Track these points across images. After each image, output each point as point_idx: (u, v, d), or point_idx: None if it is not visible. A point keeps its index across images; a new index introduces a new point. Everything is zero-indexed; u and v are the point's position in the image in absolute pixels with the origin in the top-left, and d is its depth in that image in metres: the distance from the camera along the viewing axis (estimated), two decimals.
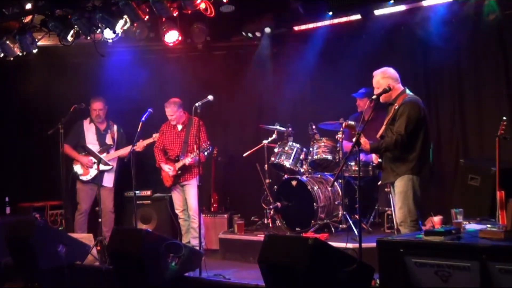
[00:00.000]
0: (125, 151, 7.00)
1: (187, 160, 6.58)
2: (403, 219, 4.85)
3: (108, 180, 7.19)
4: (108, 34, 6.18)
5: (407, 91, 5.04)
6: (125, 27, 6.07)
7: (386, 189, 6.38)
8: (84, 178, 7.09)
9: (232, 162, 8.09)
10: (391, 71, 5.08)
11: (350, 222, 6.26)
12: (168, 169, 6.69)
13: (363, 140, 4.85)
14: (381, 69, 5.13)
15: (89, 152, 6.90)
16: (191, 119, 6.68)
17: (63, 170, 6.82)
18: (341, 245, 5.49)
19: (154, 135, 6.86)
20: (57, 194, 7.33)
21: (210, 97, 5.97)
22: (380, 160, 5.10)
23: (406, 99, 4.94)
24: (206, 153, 6.47)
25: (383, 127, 5.02)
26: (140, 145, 6.92)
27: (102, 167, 7.05)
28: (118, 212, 7.65)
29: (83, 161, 7.04)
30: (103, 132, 7.31)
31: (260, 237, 6.28)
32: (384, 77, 5.03)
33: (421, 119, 4.91)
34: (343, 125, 5.17)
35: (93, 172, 7.08)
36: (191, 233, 6.71)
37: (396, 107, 4.92)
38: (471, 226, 4.15)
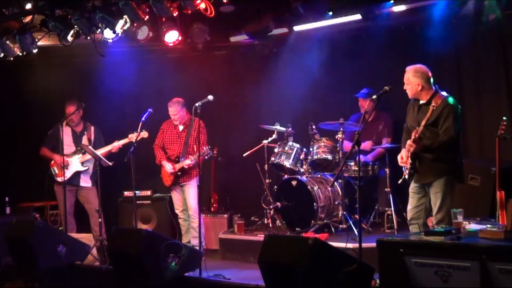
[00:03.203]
0: (102, 151, 7.00)
1: (187, 163, 6.59)
2: (441, 219, 4.77)
3: (86, 180, 7.18)
4: (108, 34, 6.18)
5: (439, 90, 4.98)
6: (125, 27, 6.07)
7: (386, 189, 6.39)
8: (59, 179, 7.02)
9: (232, 162, 8.08)
10: (423, 69, 4.99)
11: (350, 222, 6.26)
12: (169, 167, 6.70)
13: (417, 141, 4.78)
14: (414, 66, 5.03)
15: (87, 152, 6.89)
16: (192, 120, 6.67)
17: (63, 171, 6.82)
18: (341, 245, 5.49)
19: (129, 136, 6.81)
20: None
21: (210, 97, 5.97)
22: (411, 161, 4.93)
23: (446, 99, 4.88)
24: (206, 157, 6.48)
25: (421, 128, 4.87)
26: (116, 145, 6.99)
27: (77, 167, 7.08)
28: (118, 212, 7.67)
29: (59, 161, 6.87)
30: (79, 134, 7.29)
31: (260, 237, 6.28)
32: (415, 75, 4.95)
33: (461, 120, 4.93)
34: (413, 137, 4.82)
35: (68, 173, 7.05)
36: (191, 233, 6.72)
37: (435, 108, 4.83)
38: (471, 226, 4.14)
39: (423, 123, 4.88)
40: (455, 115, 4.81)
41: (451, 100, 4.90)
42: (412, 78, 4.96)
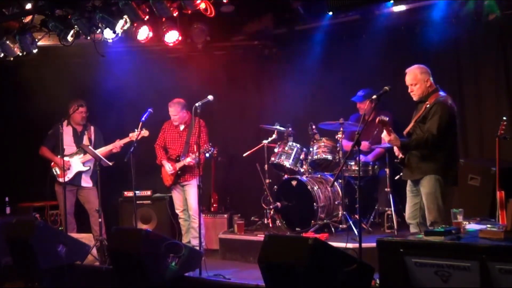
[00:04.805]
0: (102, 150, 7.00)
1: (188, 160, 6.60)
2: (433, 219, 4.74)
3: (87, 180, 7.17)
4: (108, 34, 6.18)
5: (440, 90, 4.97)
6: (125, 27, 6.07)
7: (386, 189, 6.38)
8: (61, 179, 6.97)
9: (232, 162, 8.08)
10: (425, 67, 5.00)
11: (350, 222, 6.26)
12: (169, 168, 6.70)
13: (393, 135, 4.80)
14: (415, 65, 5.02)
15: (87, 152, 6.89)
16: (193, 119, 6.68)
17: (63, 171, 6.82)
18: (341, 245, 5.49)
19: (130, 135, 6.80)
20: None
21: (210, 97, 5.98)
22: (402, 156, 4.96)
23: (439, 98, 4.88)
24: (207, 155, 6.48)
25: (411, 124, 4.93)
26: (117, 144, 6.98)
27: (79, 167, 7.07)
28: (118, 212, 7.67)
29: (60, 163, 6.84)
30: (80, 134, 7.28)
31: (260, 237, 6.27)
32: (423, 72, 4.95)
33: (452, 119, 4.87)
34: (377, 120, 4.83)
35: (70, 174, 7.04)
36: (191, 233, 6.72)
37: (428, 106, 4.84)
38: (471, 226, 4.14)
39: (414, 119, 4.92)
40: (441, 114, 4.77)
41: (443, 99, 4.89)
42: (421, 75, 4.94)
